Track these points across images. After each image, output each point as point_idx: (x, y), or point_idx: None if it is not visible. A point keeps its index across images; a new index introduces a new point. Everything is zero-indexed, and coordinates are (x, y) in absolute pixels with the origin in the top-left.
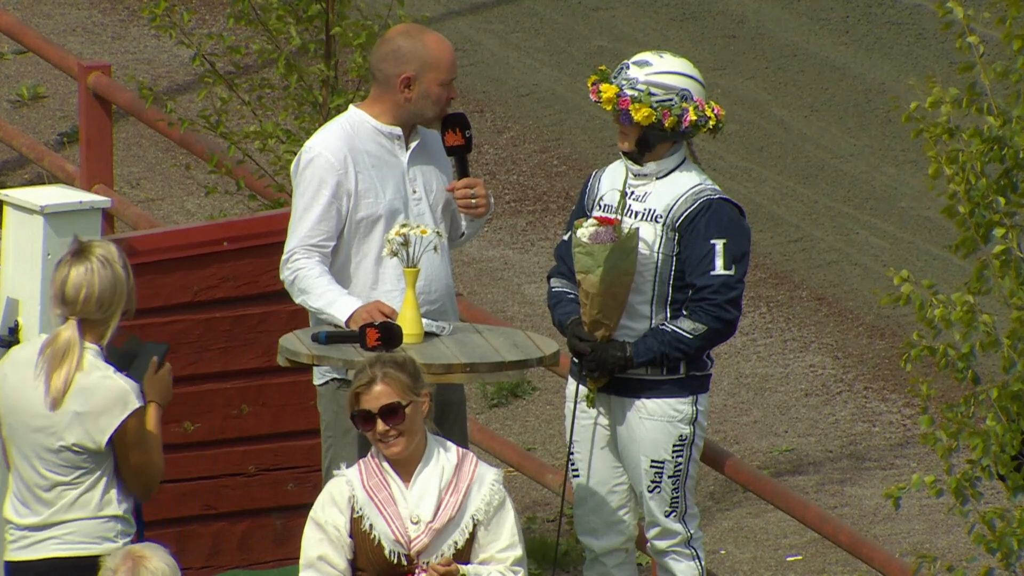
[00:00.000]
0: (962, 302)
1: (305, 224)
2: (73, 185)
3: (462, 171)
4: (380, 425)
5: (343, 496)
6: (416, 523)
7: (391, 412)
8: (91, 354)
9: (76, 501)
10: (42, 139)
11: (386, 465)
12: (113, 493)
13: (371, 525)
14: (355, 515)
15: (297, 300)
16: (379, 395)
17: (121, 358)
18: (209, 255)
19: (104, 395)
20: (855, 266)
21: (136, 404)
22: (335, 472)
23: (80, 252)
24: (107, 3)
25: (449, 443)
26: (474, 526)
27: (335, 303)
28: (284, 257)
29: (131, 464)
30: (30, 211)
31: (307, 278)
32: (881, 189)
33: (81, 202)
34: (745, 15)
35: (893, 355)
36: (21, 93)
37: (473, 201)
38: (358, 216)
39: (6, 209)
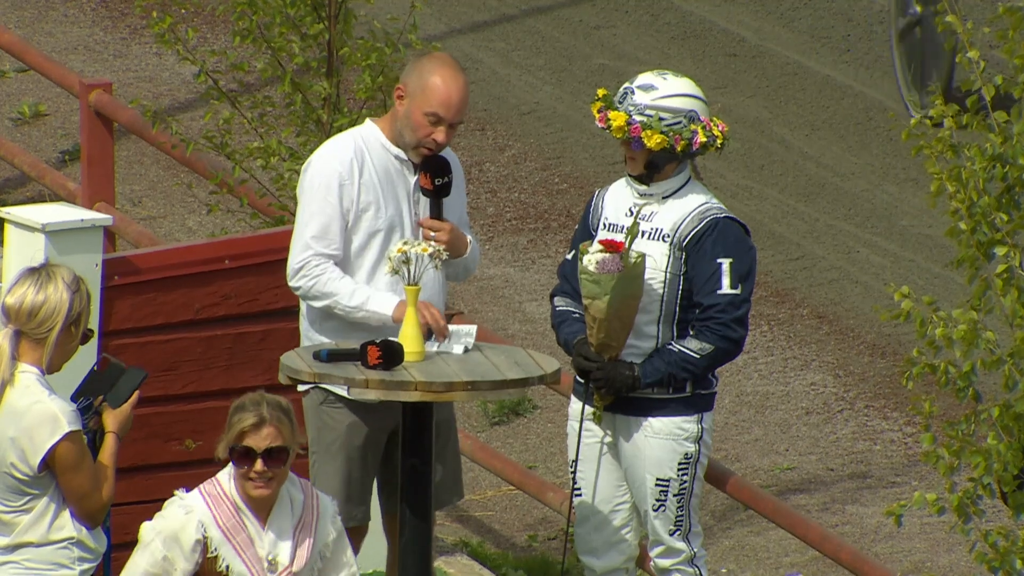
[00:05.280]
0: (966, 319)
1: (312, 230)
2: (74, 203)
3: (433, 213)
4: (259, 465)
5: (189, 539)
6: (272, 562)
7: (275, 455)
8: (30, 377)
9: (30, 527)
10: (43, 157)
11: (241, 505)
12: (66, 517)
13: (228, 567)
14: (209, 555)
15: (319, 304)
16: (267, 436)
17: (102, 382)
18: (211, 273)
19: (34, 419)
20: (856, 284)
21: (67, 428)
22: (180, 503)
23: (35, 268)
24: (109, 21)
25: (293, 475)
26: (321, 561)
27: (372, 299)
28: (296, 266)
29: (67, 489)
30: (31, 229)
31: (330, 281)
32: (882, 207)
33: (82, 220)
34: (746, 34)
35: (894, 373)
36: (23, 111)
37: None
38: (358, 228)
39: (7, 227)
